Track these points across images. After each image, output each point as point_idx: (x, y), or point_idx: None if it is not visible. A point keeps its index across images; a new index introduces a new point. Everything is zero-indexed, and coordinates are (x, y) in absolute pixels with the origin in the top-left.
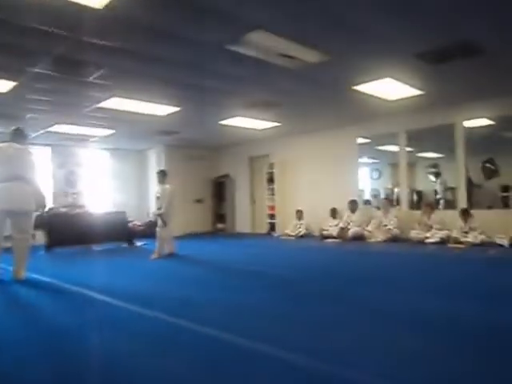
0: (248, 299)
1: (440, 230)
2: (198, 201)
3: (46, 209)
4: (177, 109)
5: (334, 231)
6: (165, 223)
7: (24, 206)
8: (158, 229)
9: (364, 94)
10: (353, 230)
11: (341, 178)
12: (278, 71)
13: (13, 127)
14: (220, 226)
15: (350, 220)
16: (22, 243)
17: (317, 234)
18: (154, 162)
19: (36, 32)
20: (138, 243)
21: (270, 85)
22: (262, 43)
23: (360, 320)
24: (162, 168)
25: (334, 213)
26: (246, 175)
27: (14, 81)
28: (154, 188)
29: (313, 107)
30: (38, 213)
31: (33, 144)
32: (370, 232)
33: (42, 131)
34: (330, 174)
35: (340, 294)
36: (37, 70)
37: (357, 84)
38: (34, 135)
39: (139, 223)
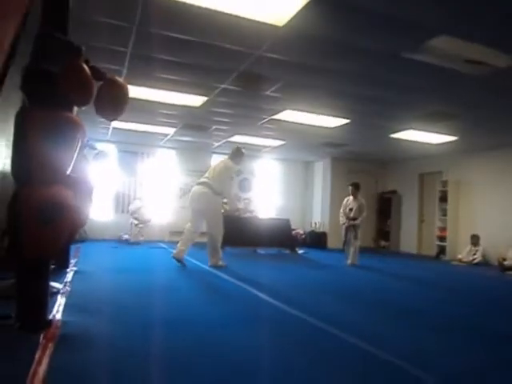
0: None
1: None
2: None
3: (232, 211)
4: (346, 121)
5: None
6: (356, 235)
7: (202, 206)
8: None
9: None
10: None
11: None
12: (457, 79)
13: (235, 146)
14: (383, 243)
15: None
16: (208, 237)
17: (495, 263)
18: (320, 173)
19: (224, 51)
20: (299, 251)
21: (447, 94)
22: (445, 49)
23: None
24: (355, 181)
25: None
26: (415, 192)
27: (205, 96)
28: (318, 199)
29: (497, 120)
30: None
31: (215, 153)
32: None
33: (223, 141)
34: None
35: None
36: (224, 86)
37: None
38: (216, 145)
39: (301, 232)
